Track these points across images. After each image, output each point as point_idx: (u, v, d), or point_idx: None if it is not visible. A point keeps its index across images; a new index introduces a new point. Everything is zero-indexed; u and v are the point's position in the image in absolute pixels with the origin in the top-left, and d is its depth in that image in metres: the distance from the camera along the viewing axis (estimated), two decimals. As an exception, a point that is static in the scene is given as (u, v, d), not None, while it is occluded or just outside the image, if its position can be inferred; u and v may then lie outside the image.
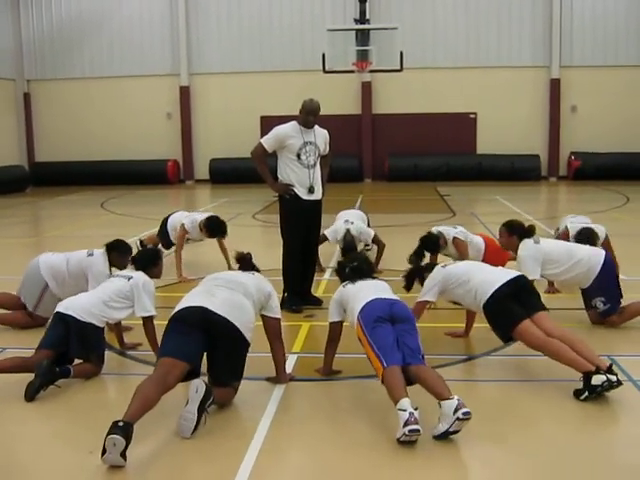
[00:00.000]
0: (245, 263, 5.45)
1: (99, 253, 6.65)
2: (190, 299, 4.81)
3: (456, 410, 4.06)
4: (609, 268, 6.55)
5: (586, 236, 7.47)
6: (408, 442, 4.08)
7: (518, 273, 5.59)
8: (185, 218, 9.23)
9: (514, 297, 5.27)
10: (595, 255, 6.60)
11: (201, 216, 9.24)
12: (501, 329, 5.31)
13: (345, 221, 9.54)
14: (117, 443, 3.82)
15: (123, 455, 3.85)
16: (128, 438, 3.87)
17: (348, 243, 9.29)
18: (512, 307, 5.21)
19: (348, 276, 5.34)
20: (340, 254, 9.56)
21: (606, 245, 7.80)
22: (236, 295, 4.84)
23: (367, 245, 9.58)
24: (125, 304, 5.59)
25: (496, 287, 5.30)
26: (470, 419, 4.08)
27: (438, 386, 4.27)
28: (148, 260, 6.00)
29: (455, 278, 5.61)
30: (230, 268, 9.14)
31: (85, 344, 5.30)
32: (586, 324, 6.65)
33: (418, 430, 4.03)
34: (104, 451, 3.84)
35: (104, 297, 5.52)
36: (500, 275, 5.46)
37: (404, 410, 4.08)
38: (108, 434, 3.84)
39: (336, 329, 5.26)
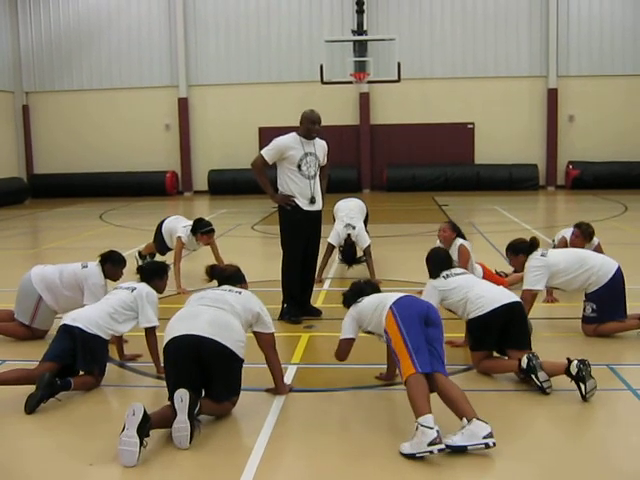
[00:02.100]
0: (216, 274, 5.43)
1: (93, 265, 6.66)
2: (176, 326, 4.75)
3: (487, 437, 4.06)
4: (617, 283, 6.50)
5: (579, 226, 8.06)
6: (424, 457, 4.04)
7: (515, 299, 5.54)
8: (181, 229, 9.23)
9: (503, 325, 5.37)
10: (607, 265, 6.57)
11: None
12: (471, 341, 5.63)
13: (346, 225, 9.51)
14: (136, 410, 4.01)
15: (141, 431, 3.99)
16: (146, 418, 4.05)
17: (349, 248, 9.38)
18: (491, 338, 5.43)
19: (356, 296, 5.25)
20: (340, 257, 9.57)
21: (598, 251, 7.83)
22: (223, 314, 4.80)
23: (362, 257, 9.55)
24: (129, 315, 5.59)
25: (490, 309, 5.36)
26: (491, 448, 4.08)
27: (466, 406, 4.25)
28: (155, 272, 5.99)
29: (457, 291, 5.61)
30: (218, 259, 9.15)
31: (91, 356, 5.30)
32: (582, 334, 6.64)
33: (444, 449, 4.01)
34: (122, 429, 4.03)
35: (109, 309, 5.53)
36: (499, 296, 5.49)
37: (430, 428, 4.02)
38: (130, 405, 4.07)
39: (346, 347, 5.19)
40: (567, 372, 4.92)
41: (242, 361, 4.75)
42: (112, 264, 6.60)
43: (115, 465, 4.03)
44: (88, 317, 5.41)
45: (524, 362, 5.09)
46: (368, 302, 5.02)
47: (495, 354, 5.58)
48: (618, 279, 6.51)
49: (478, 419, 4.13)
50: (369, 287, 5.31)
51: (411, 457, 4.04)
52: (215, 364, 4.61)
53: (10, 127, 25.53)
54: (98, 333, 5.35)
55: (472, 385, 5.43)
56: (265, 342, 5.08)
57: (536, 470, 4.00)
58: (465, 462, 4.06)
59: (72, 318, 5.41)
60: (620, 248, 10.47)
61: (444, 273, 5.77)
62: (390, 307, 4.69)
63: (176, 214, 10.55)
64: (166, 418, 4.30)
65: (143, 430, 4.04)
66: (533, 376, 5.04)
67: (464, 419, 4.17)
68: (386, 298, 4.85)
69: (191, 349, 4.57)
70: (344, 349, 5.20)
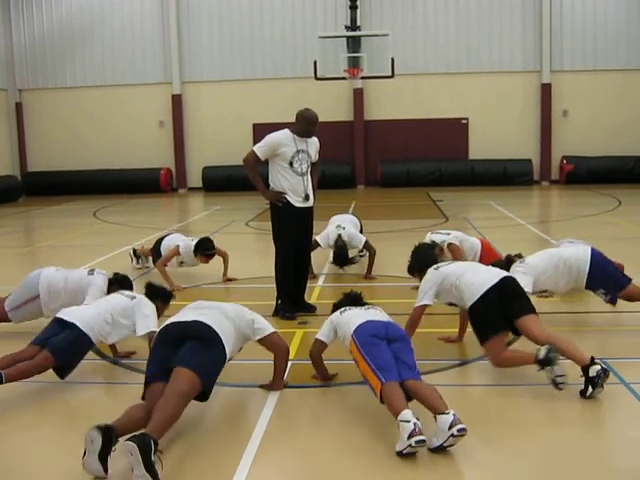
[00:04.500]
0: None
1: (100, 273, 6.69)
2: (169, 320, 4.78)
3: (451, 426, 4.00)
4: (598, 262, 6.57)
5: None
6: (410, 454, 4.03)
7: (506, 274, 5.58)
8: (181, 241, 9.17)
9: (501, 301, 5.29)
10: (581, 253, 6.64)
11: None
12: (478, 334, 5.40)
13: (337, 226, 9.52)
14: (95, 439, 3.74)
15: (103, 460, 3.75)
16: (107, 439, 3.76)
17: (340, 249, 9.25)
18: (494, 317, 5.26)
19: (342, 304, 5.30)
20: (332, 259, 9.55)
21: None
22: (214, 314, 4.76)
23: (361, 251, 9.58)
24: (122, 324, 5.58)
25: (482, 292, 5.32)
26: (465, 435, 4.03)
27: (434, 400, 4.21)
28: (161, 295, 5.98)
29: (448, 279, 5.62)
30: (225, 276, 9.14)
31: (70, 347, 5.23)
32: (578, 327, 6.66)
33: (424, 440, 3.96)
34: (84, 454, 3.79)
35: (105, 315, 5.51)
36: (488, 277, 5.45)
37: (407, 421, 4.00)
38: (89, 430, 3.79)
39: (318, 347, 5.21)
40: (584, 369, 4.85)
41: (225, 355, 4.60)
42: (120, 287, 6.42)
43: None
44: (84, 317, 5.40)
45: (541, 353, 4.86)
46: (346, 319, 5.01)
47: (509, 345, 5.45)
48: (598, 257, 6.60)
49: (440, 413, 4.08)
50: (361, 300, 5.33)
51: (400, 455, 4.04)
52: (198, 338, 4.47)
53: (3, 125, 25.46)
54: (89, 334, 5.34)
55: (466, 380, 5.45)
56: (273, 343, 5.05)
57: (530, 465, 4.00)
58: (460, 458, 4.06)
59: (68, 314, 5.41)
60: (614, 242, 10.51)
61: (434, 266, 5.84)
62: (351, 336, 4.77)
63: (171, 211, 10.53)
64: (136, 420, 4.07)
65: (106, 453, 3.79)
66: (548, 368, 4.85)
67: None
68: (351, 325, 4.86)
69: (178, 333, 4.53)
70: (315, 350, 5.24)
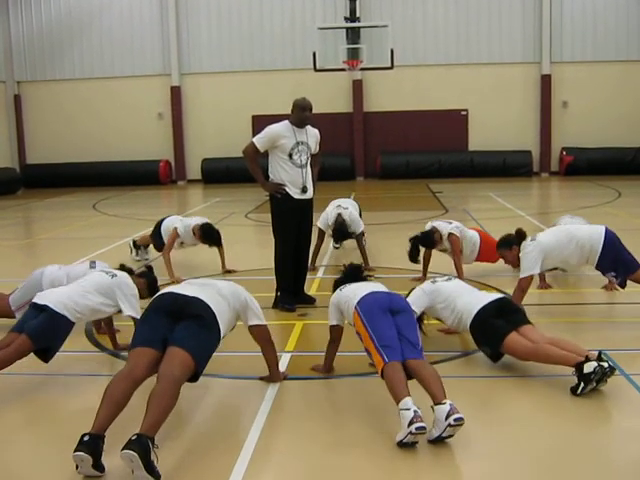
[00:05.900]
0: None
1: (101, 265, 6.69)
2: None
3: (448, 416, 4.00)
4: (611, 243, 6.59)
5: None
6: (410, 444, 4.02)
7: (501, 295, 5.68)
8: (179, 222, 9.18)
9: (498, 315, 5.31)
10: (595, 233, 6.65)
11: (195, 221, 9.14)
12: (489, 346, 5.34)
13: (337, 206, 9.51)
14: (84, 459, 3.72)
15: (96, 466, 3.75)
16: (95, 453, 3.74)
17: (340, 225, 9.27)
18: (497, 323, 5.25)
19: (343, 281, 5.31)
20: (332, 236, 9.52)
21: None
22: (209, 291, 4.71)
23: (363, 234, 9.51)
24: (100, 302, 5.54)
25: (479, 307, 5.35)
26: (462, 425, 4.03)
27: (434, 387, 4.21)
28: (150, 278, 5.96)
29: (443, 297, 5.65)
30: (224, 268, 9.14)
31: (52, 332, 5.20)
32: (578, 319, 6.66)
33: (424, 427, 3.96)
34: (77, 467, 3.77)
35: (81, 292, 5.49)
36: (483, 297, 5.52)
37: (407, 409, 4.01)
38: (74, 450, 3.74)
39: (336, 332, 5.23)
40: (578, 367, 4.75)
41: (219, 334, 4.54)
42: None
43: (105, 456, 3.99)
44: (57, 297, 5.37)
45: (589, 368, 4.66)
46: (345, 293, 5.04)
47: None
48: (611, 238, 6.62)
49: (438, 403, 4.09)
50: (362, 275, 5.33)
51: (402, 445, 4.04)
52: (193, 316, 4.41)
53: (2, 117, 25.40)
54: (64, 314, 5.29)
55: (466, 372, 5.44)
56: (260, 335, 5.03)
57: (531, 455, 4.00)
58: (461, 448, 4.06)
59: (40, 297, 5.39)
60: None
61: (432, 279, 5.94)
62: (355, 307, 4.77)
63: (170, 203, 10.53)
64: (118, 405, 4.00)
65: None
66: (582, 384, 4.70)
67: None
68: (354, 296, 4.87)
69: (170, 304, 4.48)
70: (335, 336, 5.24)
